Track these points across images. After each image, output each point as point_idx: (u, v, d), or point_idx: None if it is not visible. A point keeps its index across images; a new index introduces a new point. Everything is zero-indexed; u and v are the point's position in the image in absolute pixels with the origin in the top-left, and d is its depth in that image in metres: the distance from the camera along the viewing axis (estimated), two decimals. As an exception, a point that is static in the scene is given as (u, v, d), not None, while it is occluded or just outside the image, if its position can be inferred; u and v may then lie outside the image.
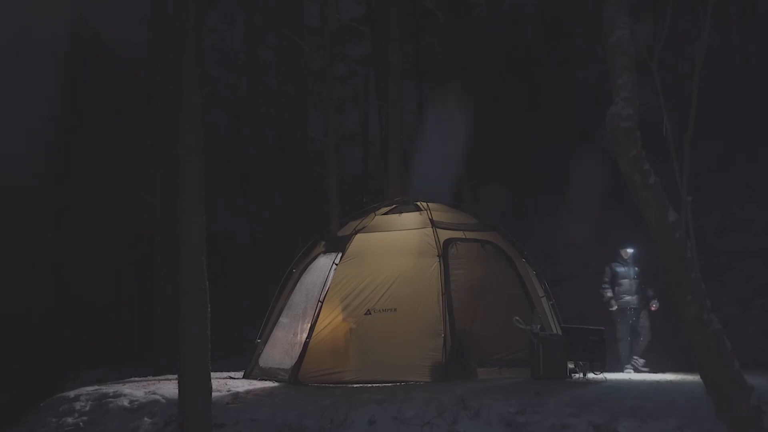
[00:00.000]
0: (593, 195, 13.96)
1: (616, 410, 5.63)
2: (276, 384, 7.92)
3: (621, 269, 9.39)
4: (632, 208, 5.69)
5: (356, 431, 5.94)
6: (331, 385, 7.60)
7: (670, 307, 5.51)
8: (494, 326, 8.26)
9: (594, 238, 12.94)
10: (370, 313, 7.98)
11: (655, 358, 9.11)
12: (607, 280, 9.39)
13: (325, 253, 8.92)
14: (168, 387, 7.45)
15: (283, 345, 8.61)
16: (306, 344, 8.01)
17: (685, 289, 5.29)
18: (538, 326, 7.96)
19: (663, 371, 8.87)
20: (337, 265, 8.35)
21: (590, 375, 8.01)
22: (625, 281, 9.30)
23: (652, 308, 9.12)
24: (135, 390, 7.39)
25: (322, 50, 14.15)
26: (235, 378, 8.66)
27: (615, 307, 9.24)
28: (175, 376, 6.67)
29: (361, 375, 7.76)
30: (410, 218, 8.76)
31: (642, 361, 9.09)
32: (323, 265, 8.68)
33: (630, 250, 9.39)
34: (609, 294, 9.30)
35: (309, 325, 8.13)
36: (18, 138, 14.87)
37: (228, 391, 7.26)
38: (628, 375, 8.74)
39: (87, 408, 6.99)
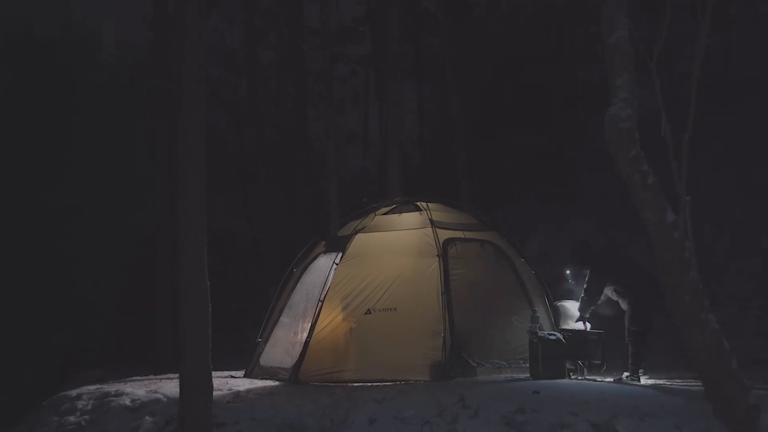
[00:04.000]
0: (594, 195, 14.00)
1: (614, 409, 5.65)
2: (276, 383, 7.95)
3: None
4: (632, 209, 5.72)
5: (356, 430, 5.96)
6: (331, 384, 7.62)
7: (670, 307, 5.55)
8: (494, 326, 8.27)
9: (593, 239, 12.94)
10: (370, 313, 8.01)
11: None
12: None
13: (325, 252, 8.95)
14: (169, 386, 7.47)
15: (283, 344, 8.64)
16: (306, 343, 8.04)
17: (684, 289, 5.33)
18: (538, 326, 7.99)
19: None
20: (337, 264, 8.38)
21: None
22: None
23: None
24: (136, 389, 7.41)
25: (323, 50, 14.18)
26: (235, 377, 8.69)
27: None
28: (176, 375, 6.70)
29: (361, 374, 7.78)
30: (410, 218, 8.79)
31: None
32: (323, 265, 8.71)
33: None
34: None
35: (309, 324, 8.16)
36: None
37: (229, 390, 7.28)
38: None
39: (89, 407, 7.01)
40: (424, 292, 8.03)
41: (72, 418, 6.89)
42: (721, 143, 13.13)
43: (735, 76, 14.76)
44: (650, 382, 7.98)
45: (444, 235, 8.44)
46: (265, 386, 7.66)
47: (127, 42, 18.13)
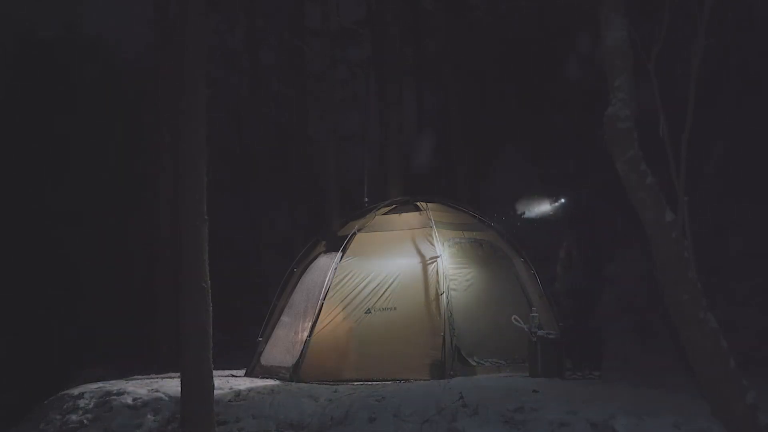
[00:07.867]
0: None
1: (613, 408, 5.69)
2: (277, 382, 7.97)
3: None
4: (630, 209, 5.75)
5: (356, 428, 6.00)
6: (331, 383, 7.65)
7: (668, 307, 5.58)
8: (493, 325, 8.31)
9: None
10: (371, 312, 8.05)
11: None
12: None
13: (325, 252, 8.98)
14: (170, 385, 7.50)
15: (284, 343, 8.67)
16: (307, 343, 8.07)
17: (682, 288, 5.36)
18: (537, 325, 8.02)
19: None
20: (337, 264, 8.41)
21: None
22: None
23: None
24: (138, 388, 7.43)
25: (323, 52, 14.22)
26: (236, 376, 8.71)
27: None
28: (178, 374, 6.73)
29: (361, 373, 7.81)
30: (410, 218, 8.83)
31: None
32: (324, 265, 8.74)
33: None
34: None
35: (310, 323, 8.19)
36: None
37: (230, 388, 7.32)
38: None
39: (91, 405, 7.03)
40: (424, 291, 8.07)
41: (74, 417, 6.92)
42: (720, 143, 13.15)
43: (733, 77, 14.76)
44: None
45: (444, 235, 8.48)
46: (265, 385, 7.69)
47: (129, 43, 18.15)
